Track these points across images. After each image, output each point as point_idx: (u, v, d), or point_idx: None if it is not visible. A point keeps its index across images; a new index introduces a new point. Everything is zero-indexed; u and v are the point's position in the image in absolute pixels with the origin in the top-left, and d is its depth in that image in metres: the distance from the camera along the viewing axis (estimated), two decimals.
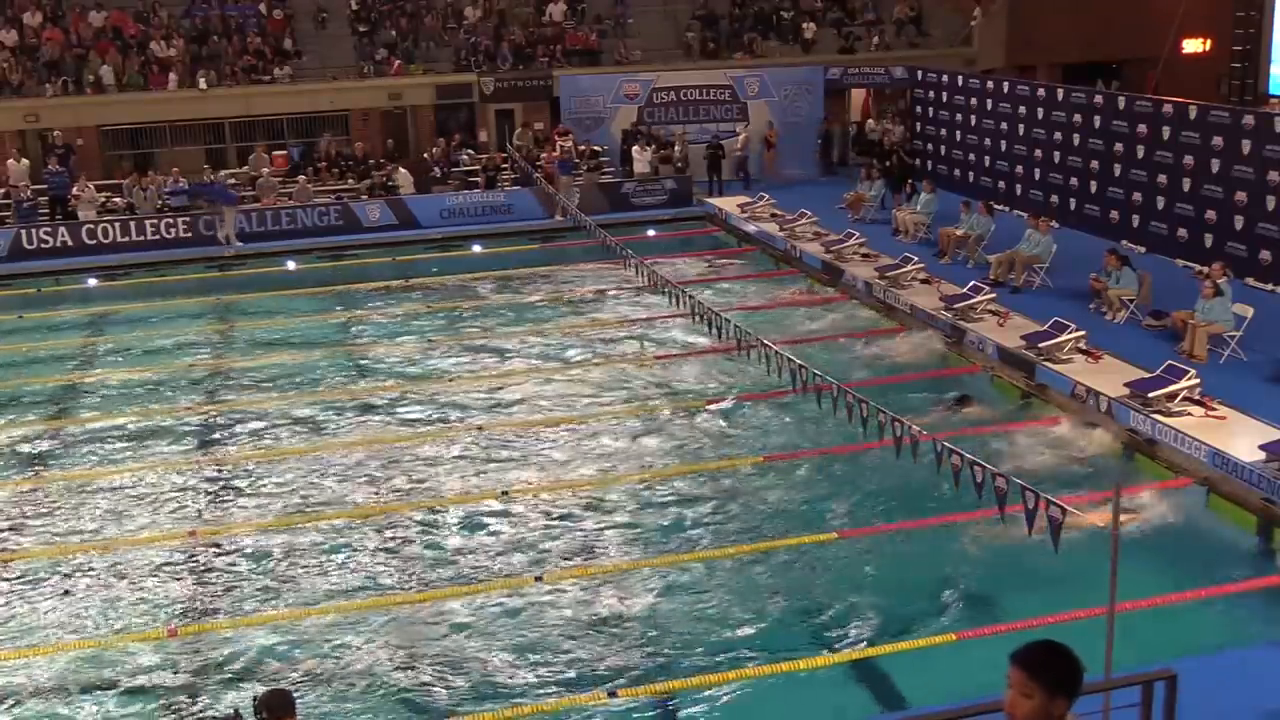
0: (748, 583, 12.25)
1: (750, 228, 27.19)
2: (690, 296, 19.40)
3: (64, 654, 11.33)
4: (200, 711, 10.43)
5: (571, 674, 10.71)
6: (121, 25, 32.64)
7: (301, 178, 29.63)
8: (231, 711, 7.07)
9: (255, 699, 7.01)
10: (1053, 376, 16.39)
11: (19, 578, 12.94)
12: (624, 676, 10.59)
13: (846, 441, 15.03)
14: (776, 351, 16.14)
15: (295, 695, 10.41)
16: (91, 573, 13.00)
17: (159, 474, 15.63)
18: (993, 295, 19.34)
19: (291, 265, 26.73)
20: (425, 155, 30.71)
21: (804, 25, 35.12)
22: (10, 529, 14.22)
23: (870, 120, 34.60)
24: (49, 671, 11.10)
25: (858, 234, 23.97)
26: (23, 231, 27.04)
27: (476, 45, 33.44)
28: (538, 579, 12.36)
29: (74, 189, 28.14)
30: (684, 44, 35.06)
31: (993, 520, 11.56)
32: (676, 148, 30.88)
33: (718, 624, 11.47)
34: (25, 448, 16.86)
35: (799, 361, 15.43)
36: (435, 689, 10.63)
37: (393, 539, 13.54)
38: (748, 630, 11.34)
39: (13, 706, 10.55)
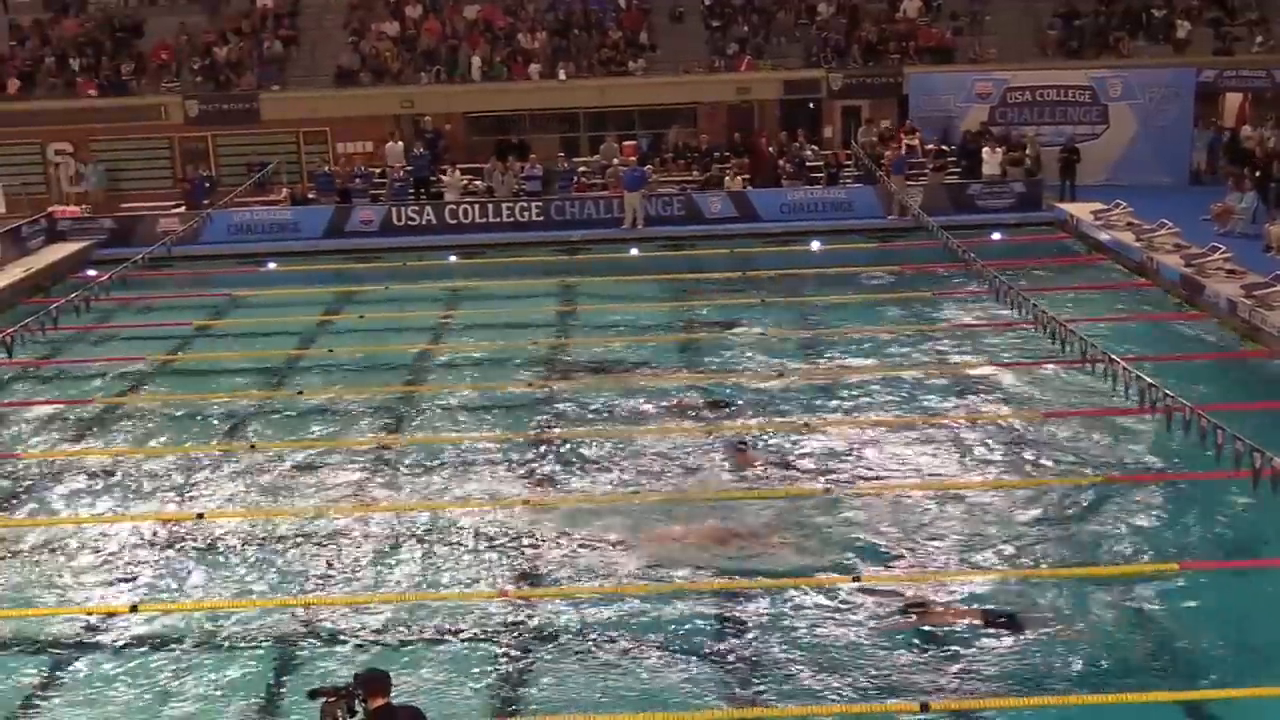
0: (1078, 608, 11.67)
1: (1103, 236, 25.85)
2: (1034, 304, 18.64)
3: (403, 605, 12.09)
4: (509, 669, 10.93)
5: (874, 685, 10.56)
6: (492, 18, 34.57)
7: (648, 167, 30.43)
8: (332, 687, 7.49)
9: (355, 676, 7.46)
10: None
11: (362, 533, 13.93)
12: (932, 692, 10.35)
13: (1197, 468, 14.07)
14: (1125, 368, 15.26)
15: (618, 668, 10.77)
16: (428, 531, 13.82)
17: (496, 444, 16.42)
18: None
19: (634, 252, 27.58)
20: (770, 149, 30.91)
21: (1177, 24, 33.02)
22: (358, 487, 15.26)
23: (1246, 127, 32.17)
24: (386, 621, 11.85)
25: (1223, 248, 22.37)
26: (393, 209, 29.30)
27: (827, 41, 33.33)
28: (856, 579, 12.21)
29: (444, 172, 30.14)
30: (1043, 42, 33.69)
31: None
32: (1028, 149, 29.76)
33: (1042, 649, 10.99)
34: (381, 411, 18.11)
35: (1149, 380, 14.54)
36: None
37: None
38: (1075, 659, 10.81)
39: (354, 651, 11.36)
